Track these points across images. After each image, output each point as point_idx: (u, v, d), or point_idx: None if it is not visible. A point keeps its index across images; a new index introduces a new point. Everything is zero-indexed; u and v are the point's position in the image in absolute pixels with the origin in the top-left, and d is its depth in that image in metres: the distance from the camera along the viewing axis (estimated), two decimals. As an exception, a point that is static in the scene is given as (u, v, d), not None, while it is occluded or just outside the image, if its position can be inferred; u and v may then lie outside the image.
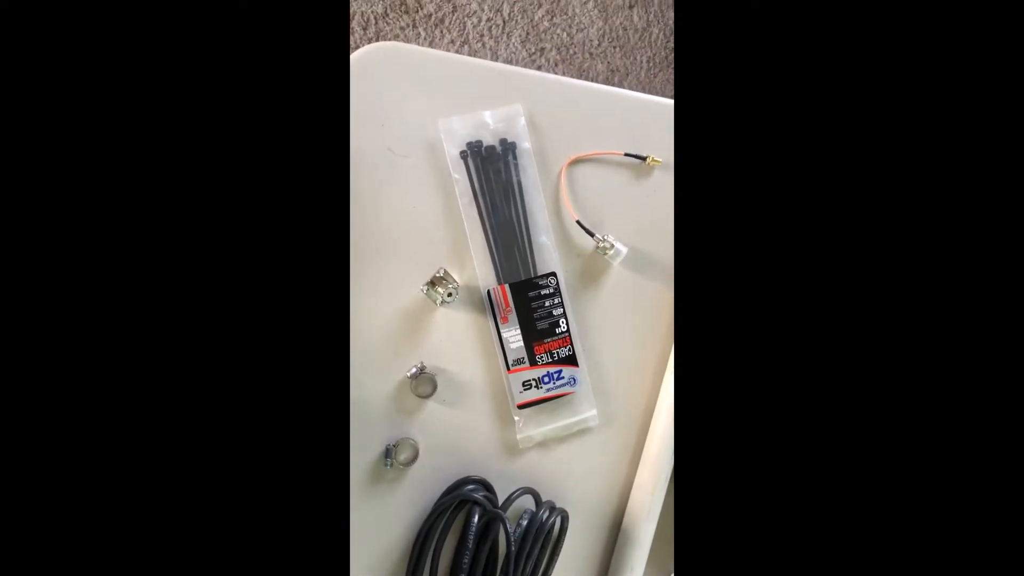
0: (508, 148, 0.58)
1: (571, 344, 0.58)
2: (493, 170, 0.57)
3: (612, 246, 0.58)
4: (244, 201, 0.33)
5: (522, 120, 0.58)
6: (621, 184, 0.60)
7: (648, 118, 0.61)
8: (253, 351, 0.33)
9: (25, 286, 0.31)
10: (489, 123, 0.58)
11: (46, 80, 0.31)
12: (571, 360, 0.58)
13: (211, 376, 0.33)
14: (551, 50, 1.37)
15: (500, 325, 0.57)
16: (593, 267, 0.60)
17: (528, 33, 1.36)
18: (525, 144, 0.58)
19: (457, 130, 0.57)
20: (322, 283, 0.34)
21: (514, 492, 0.56)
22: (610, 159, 0.60)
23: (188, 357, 0.33)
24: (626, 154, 0.60)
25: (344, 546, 0.35)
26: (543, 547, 0.55)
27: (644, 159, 0.60)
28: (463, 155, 0.57)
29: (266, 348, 0.33)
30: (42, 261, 0.31)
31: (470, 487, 0.56)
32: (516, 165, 0.58)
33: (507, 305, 0.57)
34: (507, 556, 0.52)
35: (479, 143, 0.57)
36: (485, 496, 0.55)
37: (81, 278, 0.32)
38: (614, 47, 1.38)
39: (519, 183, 0.58)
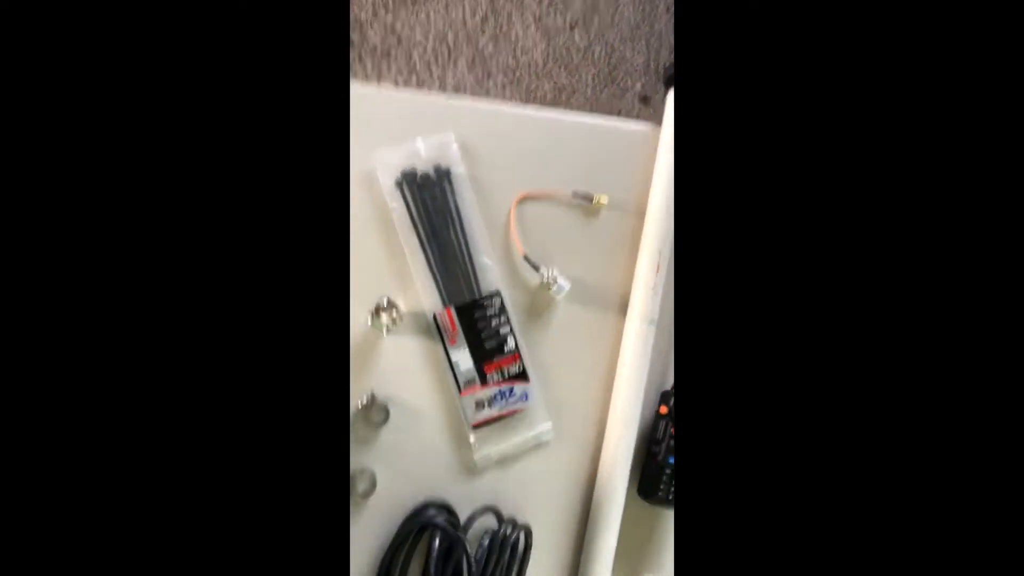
0: (442, 174, 0.59)
1: (520, 360, 0.59)
2: (429, 196, 0.58)
3: (556, 281, 0.59)
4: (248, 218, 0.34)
5: (454, 146, 0.59)
6: (568, 224, 0.62)
7: (589, 142, 0.63)
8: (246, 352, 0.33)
9: (24, 289, 0.30)
10: (422, 151, 0.59)
11: (46, 90, 0.30)
12: (522, 376, 0.59)
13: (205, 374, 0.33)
14: (498, 74, 1.39)
15: (448, 348, 0.58)
16: (539, 301, 0.61)
17: (474, 59, 1.38)
18: (459, 169, 0.59)
19: (391, 161, 0.58)
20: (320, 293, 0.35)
21: (475, 512, 0.56)
22: (558, 196, 0.62)
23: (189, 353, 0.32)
24: (574, 194, 0.61)
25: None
26: (509, 564, 0.55)
27: (591, 200, 0.61)
28: (398, 183, 0.58)
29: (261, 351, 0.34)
30: (42, 269, 0.30)
31: (431, 512, 0.56)
32: (452, 190, 0.59)
33: (453, 327, 0.58)
34: (470, 577, 0.52)
35: (413, 171, 0.58)
36: (447, 519, 0.55)
37: (81, 284, 0.31)
38: (559, 67, 1.41)
39: (456, 207, 0.59)
